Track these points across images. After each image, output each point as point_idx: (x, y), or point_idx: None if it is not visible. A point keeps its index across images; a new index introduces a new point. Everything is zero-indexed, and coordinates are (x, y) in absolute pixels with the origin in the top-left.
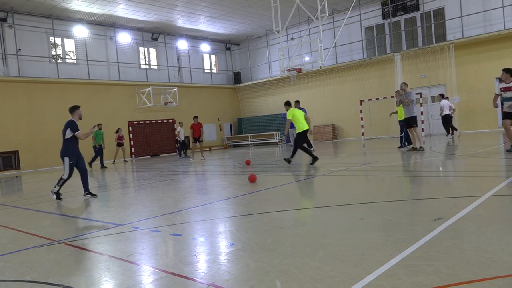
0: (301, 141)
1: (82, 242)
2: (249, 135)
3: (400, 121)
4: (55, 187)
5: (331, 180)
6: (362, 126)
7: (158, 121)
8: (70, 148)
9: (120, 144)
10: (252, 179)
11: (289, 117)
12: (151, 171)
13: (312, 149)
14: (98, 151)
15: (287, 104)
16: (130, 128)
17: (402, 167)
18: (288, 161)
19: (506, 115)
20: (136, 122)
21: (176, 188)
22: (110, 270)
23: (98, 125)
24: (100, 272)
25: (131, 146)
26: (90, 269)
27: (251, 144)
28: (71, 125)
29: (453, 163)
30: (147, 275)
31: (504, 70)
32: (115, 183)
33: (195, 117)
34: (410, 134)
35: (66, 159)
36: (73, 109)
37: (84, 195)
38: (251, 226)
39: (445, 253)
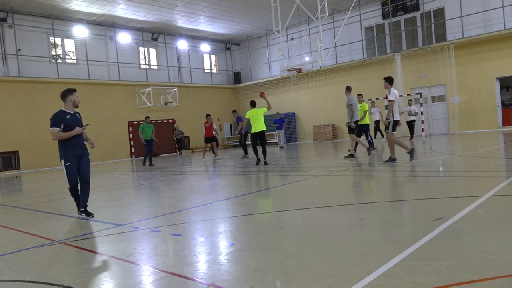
0: (253, 141)
1: (82, 242)
2: (249, 135)
3: (362, 125)
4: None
5: (331, 180)
6: None
7: (158, 121)
8: (64, 148)
9: None
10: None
11: (247, 116)
12: (151, 171)
13: (246, 155)
14: (148, 146)
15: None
16: (130, 128)
17: (402, 167)
18: (258, 161)
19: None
20: (136, 122)
21: (176, 188)
22: (110, 270)
23: (146, 118)
24: (100, 272)
25: (131, 146)
26: (90, 269)
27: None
28: (52, 118)
29: (453, 163)
30: (147, 275)
31: (384, 78)
32: (115, 183)
33: (208, 115)
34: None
35: (62, 162)
36: (66, 94)
37: (78, 212)
38: (251, 226)
39: (445, 253)
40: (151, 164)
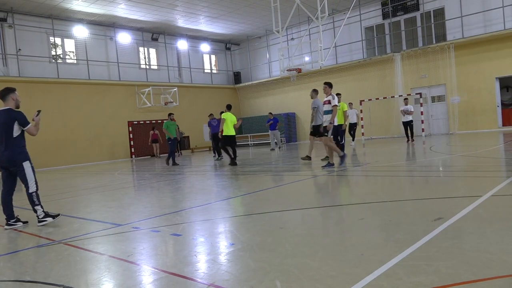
0: (224, 143)
1: (82, 242)
2: (249, 135)
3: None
4: (36, 211)
5: (331, 180)
6: (362, 126)
7: (158, 121)
8: (25, 149)
9: (155, 141)
10: None
11: (224, 116)
12: (151, 171)
13: (220, 157)
14: (173, 144)
15: (227, 107)
16: (130, 128)
17: (402, 167)
18: (234, 163)
19: (325, 130)
20: (136, 122)
21: (176, 188)
22: (110, 270)
23: (170, 115)
24: (100, 272)
25: (131, 146)
26: (90, 269)
27: (251, 144)
28: (20, 117)
29: (453, 163)
30: (147, 275)
31: (324, 83)
32: (115, 183)
33: (222, 113)
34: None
35: (27, 164)
36: (7, 92)
37: (7, 224)
38: (251, 226)
39: (445, 253)
40: (174, 163)
